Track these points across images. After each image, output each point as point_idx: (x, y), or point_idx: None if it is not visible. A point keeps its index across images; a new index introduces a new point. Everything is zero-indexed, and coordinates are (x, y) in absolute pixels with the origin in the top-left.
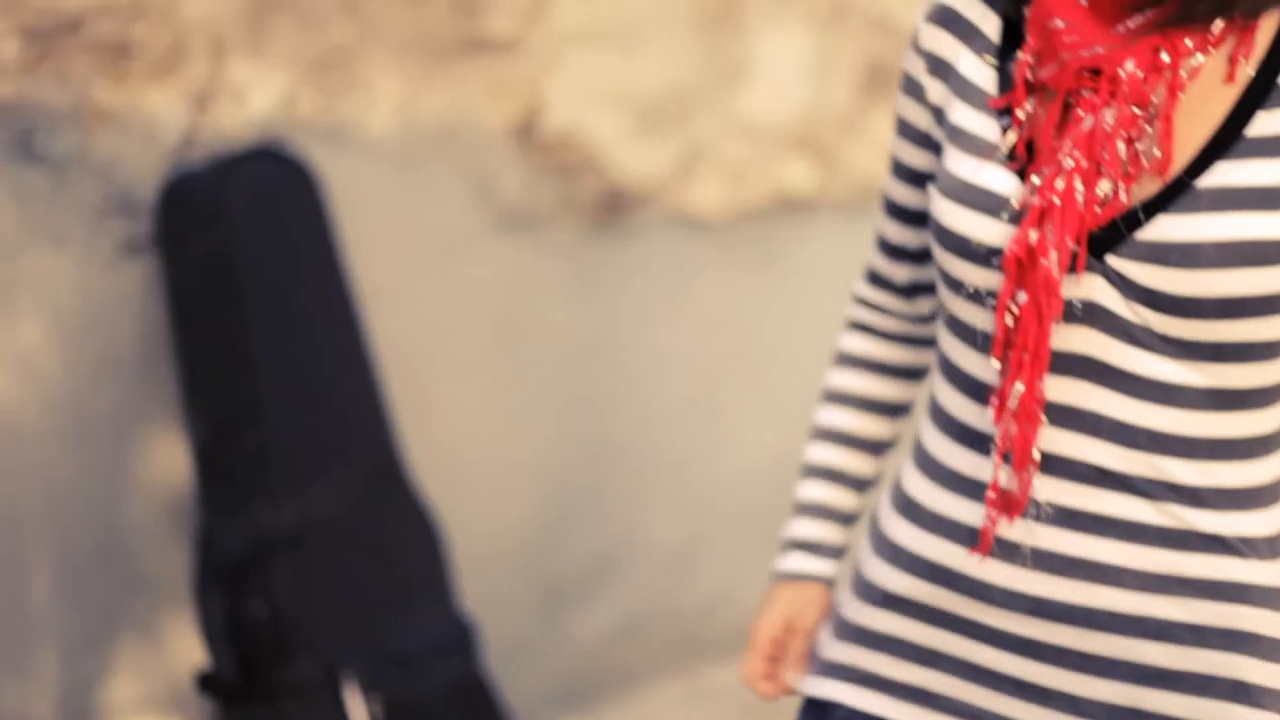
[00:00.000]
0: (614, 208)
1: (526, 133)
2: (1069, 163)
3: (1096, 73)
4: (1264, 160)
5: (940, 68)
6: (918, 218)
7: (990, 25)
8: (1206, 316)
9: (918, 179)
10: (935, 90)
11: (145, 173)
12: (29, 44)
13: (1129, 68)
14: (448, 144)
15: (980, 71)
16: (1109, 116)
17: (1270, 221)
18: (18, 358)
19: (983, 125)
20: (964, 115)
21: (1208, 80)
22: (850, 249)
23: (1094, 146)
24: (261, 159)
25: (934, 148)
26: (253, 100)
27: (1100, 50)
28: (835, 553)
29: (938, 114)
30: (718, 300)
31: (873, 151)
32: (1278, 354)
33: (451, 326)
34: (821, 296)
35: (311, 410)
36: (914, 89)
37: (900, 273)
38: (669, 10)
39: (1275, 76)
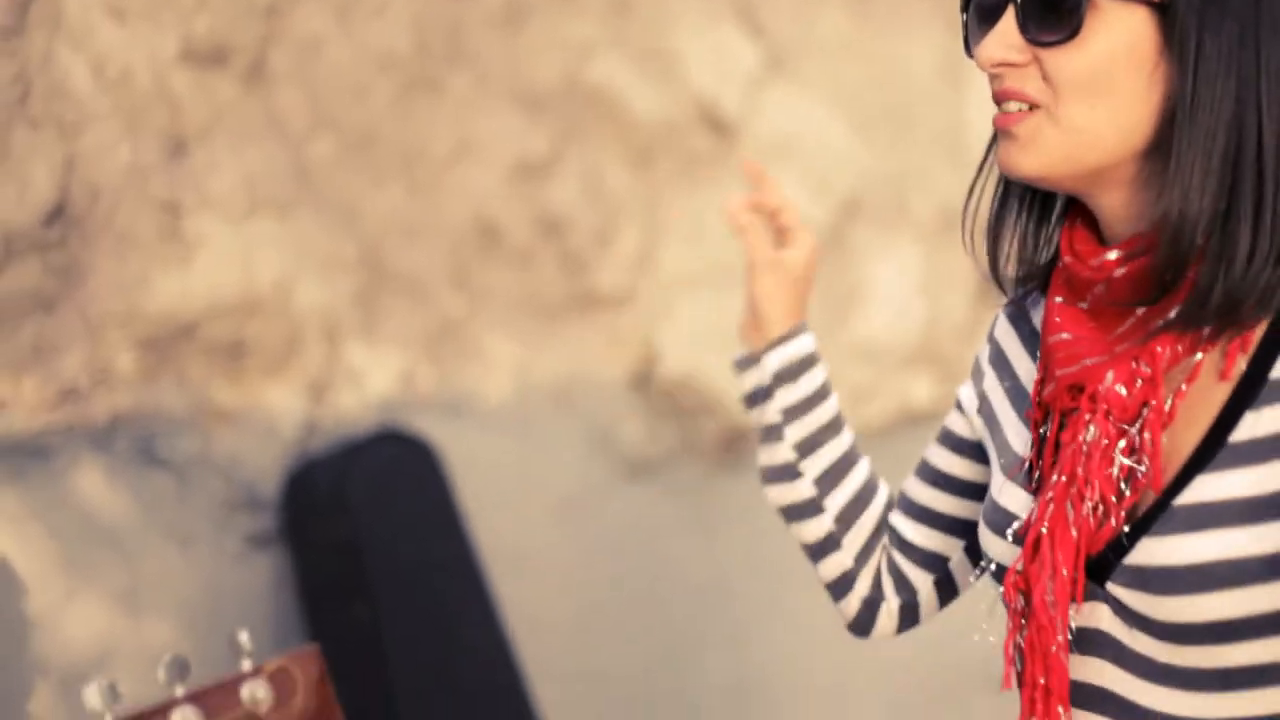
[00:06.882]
0: (735, 445)
1: (644, 381)
2: (1056, 486)
3: (1083, 389)
4: (1245, 469)
5: (1001, 361)
6: (956, 486)
7: None
8: (1199, 642)
9: (961, 447)
10: (990, 379)
11: (267, 466)
12: (146, 353)
13: (1108, 382)
14: (565, 401)
15: (1032, 380)
16: (1091, 433)
17: (1252, 536)
18: (146, 657)
19: (1020, 438)
20: (1010, 425)
21: (1206, 377)
22: None
23: (1076, 466)
24: (381, 442)
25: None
26: (370, 382)
27: (1088, 362)
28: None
29: (982, 400)
30: None
31: None
32: None
33: (582, 581)
34: None
35: (443, 696)
36: (976, 371)
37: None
38: None
39: (1268, 370)
